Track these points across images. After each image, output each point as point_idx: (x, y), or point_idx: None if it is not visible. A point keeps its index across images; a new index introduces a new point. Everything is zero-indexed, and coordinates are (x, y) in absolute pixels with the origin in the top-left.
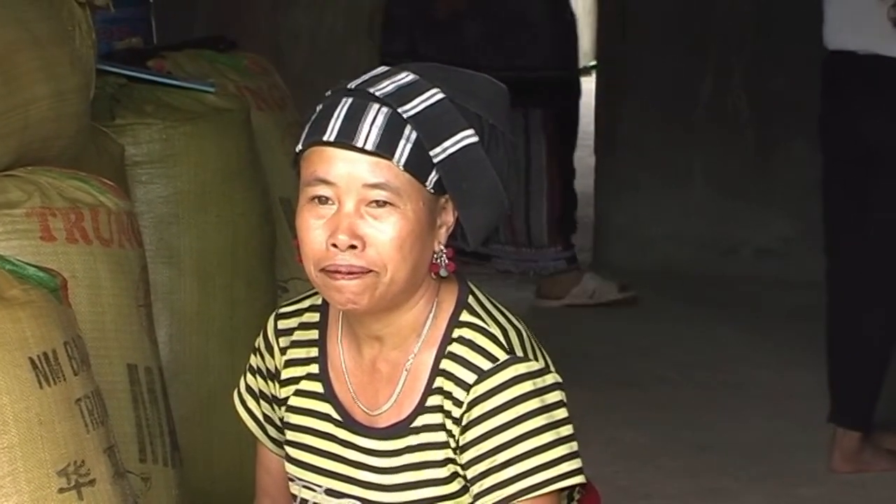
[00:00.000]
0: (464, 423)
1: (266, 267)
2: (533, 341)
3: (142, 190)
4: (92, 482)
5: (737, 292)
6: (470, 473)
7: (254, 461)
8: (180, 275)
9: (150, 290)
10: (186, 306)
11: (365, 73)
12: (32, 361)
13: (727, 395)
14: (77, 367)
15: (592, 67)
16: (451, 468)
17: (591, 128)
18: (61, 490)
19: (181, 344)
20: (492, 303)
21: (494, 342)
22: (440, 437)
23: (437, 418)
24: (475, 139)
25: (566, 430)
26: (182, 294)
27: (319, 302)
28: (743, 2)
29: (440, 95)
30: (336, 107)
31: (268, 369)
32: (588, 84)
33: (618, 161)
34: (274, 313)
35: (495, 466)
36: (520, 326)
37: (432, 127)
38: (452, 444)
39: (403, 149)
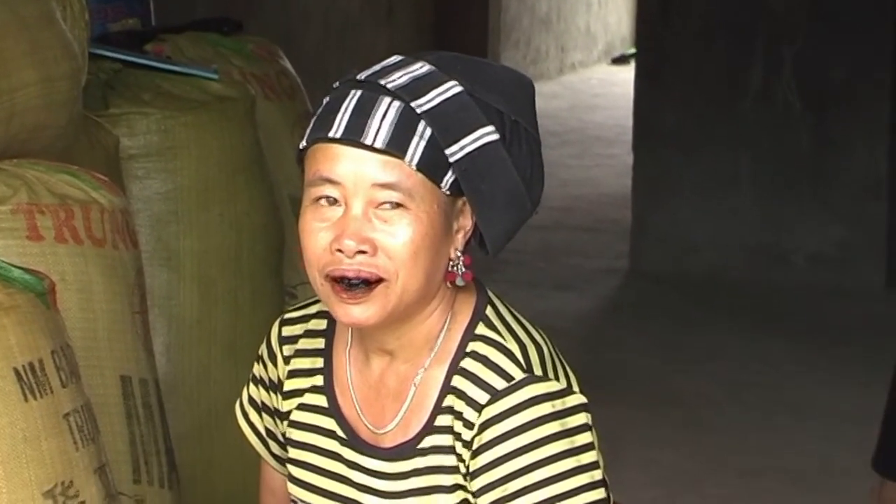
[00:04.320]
0: (475, 447)
1: (273, 270)
2: (556, 358)
3: (138, 186)
4: None
5: (789, 303)
6: (480, 502)
7: (258, 483)
8: (179, 279)
9: (146, 296)
10: (186, 313)
11: (379, 61)
12: (17, 372)
13: (778, 416)
14: (66, 379)
15: (631, 56)
16: (460, 495)
17: (630, 122)
18: None
19: (180, 354)
20: (512, 314)
21: (511, 359)
22: (450, 460)
23: (446, 440)
24: (495, 136)
25: (588, 457)
26: (181, 300)
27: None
28: None
29: (458, 88)
30: (344, 100)
31: (270, 380)
32: (627, 74)
33: (658, 159)
34: (279, 319)
35: (507, 496)
36: (541, 342)
37: (448, 123)
38: (462, 470)
39: (416, 147)
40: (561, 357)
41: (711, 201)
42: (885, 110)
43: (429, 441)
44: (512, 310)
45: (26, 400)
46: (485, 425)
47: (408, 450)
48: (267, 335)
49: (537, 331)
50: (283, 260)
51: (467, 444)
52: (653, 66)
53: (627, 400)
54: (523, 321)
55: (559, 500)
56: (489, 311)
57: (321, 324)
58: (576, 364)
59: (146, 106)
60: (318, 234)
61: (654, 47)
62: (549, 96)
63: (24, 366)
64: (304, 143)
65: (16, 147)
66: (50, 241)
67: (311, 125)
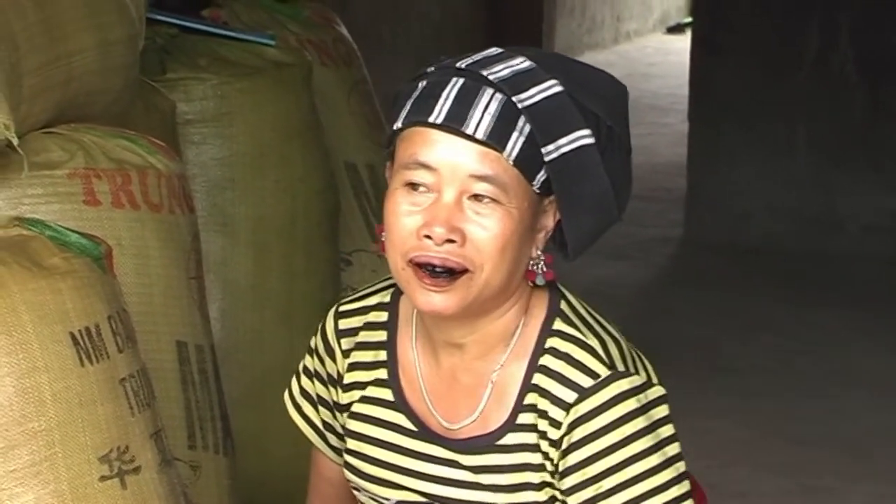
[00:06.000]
0: (563, 446)
1: (328, 237)
2: (633, 352)
3: (194, 151)
4: (136, 470)
5: (842, 271)
6: (572, 500)
7: (310, 452)
8: (235, 244)
9: (202, 261)
10: (241, 279)
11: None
12: (73, 337)
13: (830, 385)
14: (122, 344)
15: (686, 24)
16: (548, 492)
17: (685, 91)
18: (103, 478)
19: (235, 320)
20: (586, 309)
21: (593, 355)
22: (535, 458)
23: (530, 438)
24: (591, 140)
25: (672, 449)
26: (236, 265)
27: (388, 299)
28: None
29: (558, 88)
30: (445, 86)
31: (329, 374)
32: (682, 43)
33: (713, 127)
34: (333, 311)
35: (601, 494)
36: (618, 336)
37: (548, 121)
38: (549, 468)
39: (515, 142)
40: (636, 349)
41: (766, 170)
42: None
43: (511, 438)
44: (585, 304)
45: (82, 364)
46: (574, 424)
47: (486, 444)
48: (321, 329)
49: (612, 324)
50: (338, 226)
51: (555, 444)
52: (709, 35)
53: (680, 369)
54: (597, 315)
55: (650, 496)
56: (564, 305)
57: (381, 316)
58: (629, 333)
59: (203, 71)
60: (406, 218)
61: (710, 16)
62: (604, 65)
63: (80, 330)
64: (399, 125)
65: (73, 111)
66: (107, 205)
67: (408, 107)
